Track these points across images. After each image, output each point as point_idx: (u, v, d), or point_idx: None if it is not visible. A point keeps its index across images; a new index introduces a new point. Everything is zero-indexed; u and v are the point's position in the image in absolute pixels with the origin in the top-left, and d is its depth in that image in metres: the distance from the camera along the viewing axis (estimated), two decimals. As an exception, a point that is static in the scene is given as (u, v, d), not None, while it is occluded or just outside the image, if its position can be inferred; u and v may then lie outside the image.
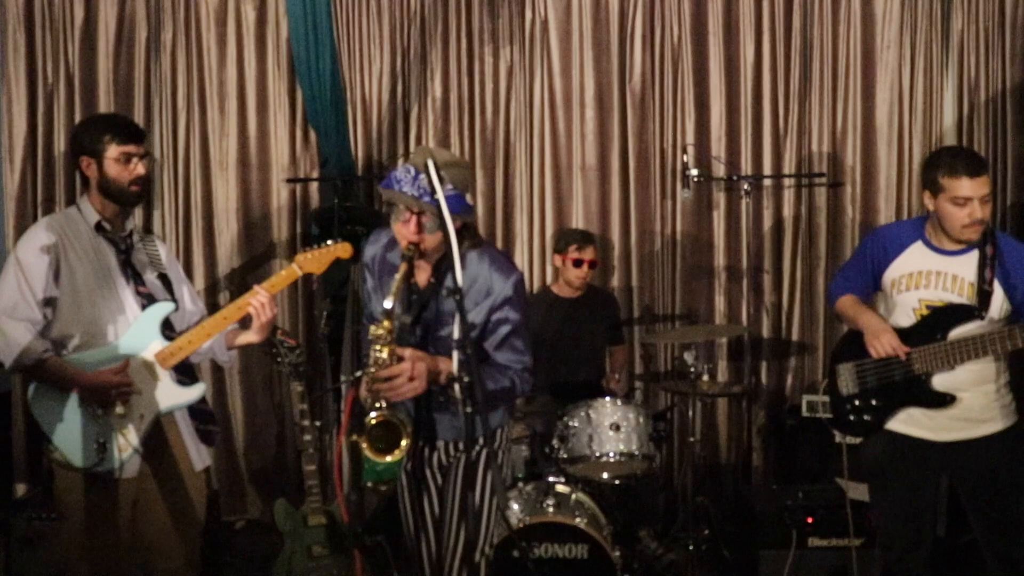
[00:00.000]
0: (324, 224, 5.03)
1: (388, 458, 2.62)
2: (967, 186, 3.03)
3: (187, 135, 5.29)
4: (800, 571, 4.03)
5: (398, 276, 2.60)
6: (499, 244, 5.29)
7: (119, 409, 2.88)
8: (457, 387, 2.52)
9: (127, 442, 2.89)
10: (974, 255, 3.13)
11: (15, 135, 5.24)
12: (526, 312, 2.83)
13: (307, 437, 3.87)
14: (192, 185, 5.31)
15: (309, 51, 4.98)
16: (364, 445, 2.59)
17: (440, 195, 2.48)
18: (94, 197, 3.01)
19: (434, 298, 2.78)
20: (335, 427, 4.94)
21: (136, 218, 5.30)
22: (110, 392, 2.85)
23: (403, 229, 2.65)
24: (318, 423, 4.84)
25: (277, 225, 5.33)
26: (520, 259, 5.29)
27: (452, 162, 2.63)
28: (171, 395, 2.96)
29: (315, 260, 3.07)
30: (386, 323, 2.58)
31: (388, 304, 2.57)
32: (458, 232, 2.55)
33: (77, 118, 5.20)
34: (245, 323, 3.11)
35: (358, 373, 2.62)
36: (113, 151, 2.97)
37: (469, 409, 2.47)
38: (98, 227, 3.00)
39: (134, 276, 3.03)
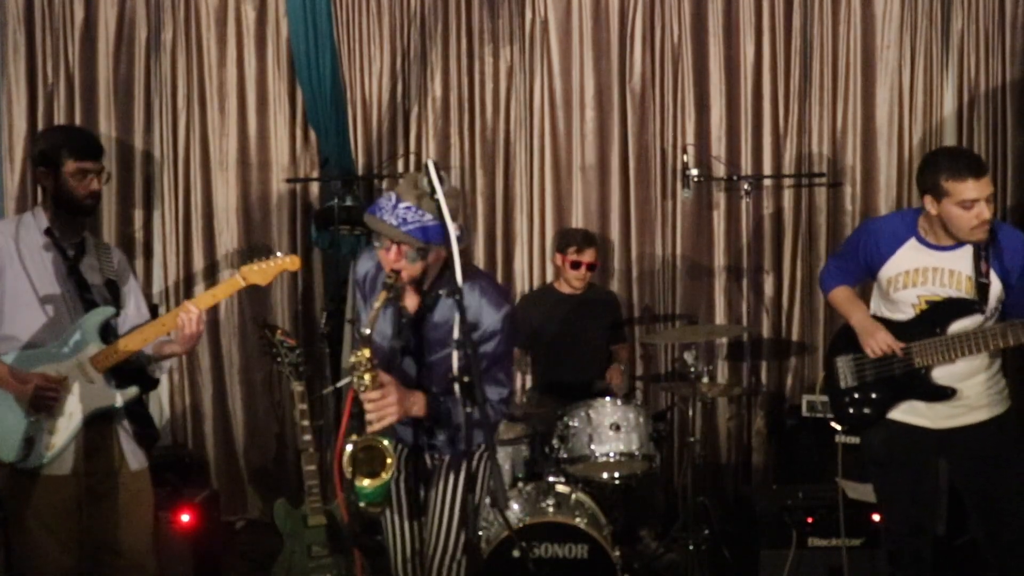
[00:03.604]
0: (324, 224, 5.04)
1: (367, 482, 2.61)
2: (973, 188, 3.00)
3: (187, 135, 5.30)
4: (800, 571, 4.02)
5: (376, 304, 2.58)
6: (499, 244, 5.29)
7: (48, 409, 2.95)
8: (457, 387, 2.51)
9: (55, 440, 2.95)
10: (968, 249, 3.13)
11: (15, 135, 5.25)
12: (513, 342, 2.82)
13: (307, 437, 3.87)
14: (192, 185, 5.31)
15: (309, 51, 4.98)
16: (350, 470, 2.59)
17: (440, 194, 2.47)
18: (47, 206, 3.08)
19: (422, 324, 2.77)
20: (335, 427, 4.94)
21: (137, 219, 5.34)
22: (27, 396, 2.91)
23: (386, 256, 2.64)
24: (318, 423, 4.85)
25: (277, 225, 5.33)
26: (520, 259, 5.30)
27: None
28: (103, 397, 3.02)
29: (261, 272, 3.10)
30: (365, 351, 2.56)
31: (367, 331, 2.56)
32: (444, 262, 2.52)
33: (77, 118, 5.22)
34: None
35: (346, 380, 2.61)
36: (70, 166, 3.02)
37: (469, 409, 2.47)
38: (47, 233, 3.06)
39: (79, 282, 3.08)
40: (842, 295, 3.42)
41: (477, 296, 2.71)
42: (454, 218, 2.63)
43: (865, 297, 3.45)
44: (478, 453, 2.86)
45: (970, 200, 3.01)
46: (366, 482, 2.61)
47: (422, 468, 2.92)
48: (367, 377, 2.57)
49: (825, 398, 3.45)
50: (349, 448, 2.61)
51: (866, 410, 3.30)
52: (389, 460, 2.62)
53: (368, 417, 2.59)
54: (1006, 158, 5.01)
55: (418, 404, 2.69)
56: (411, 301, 2.79)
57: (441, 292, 2.70)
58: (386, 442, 2.62)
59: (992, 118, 5.05)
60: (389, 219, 2.58)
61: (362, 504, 2.67)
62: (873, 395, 3.28)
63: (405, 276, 2.64)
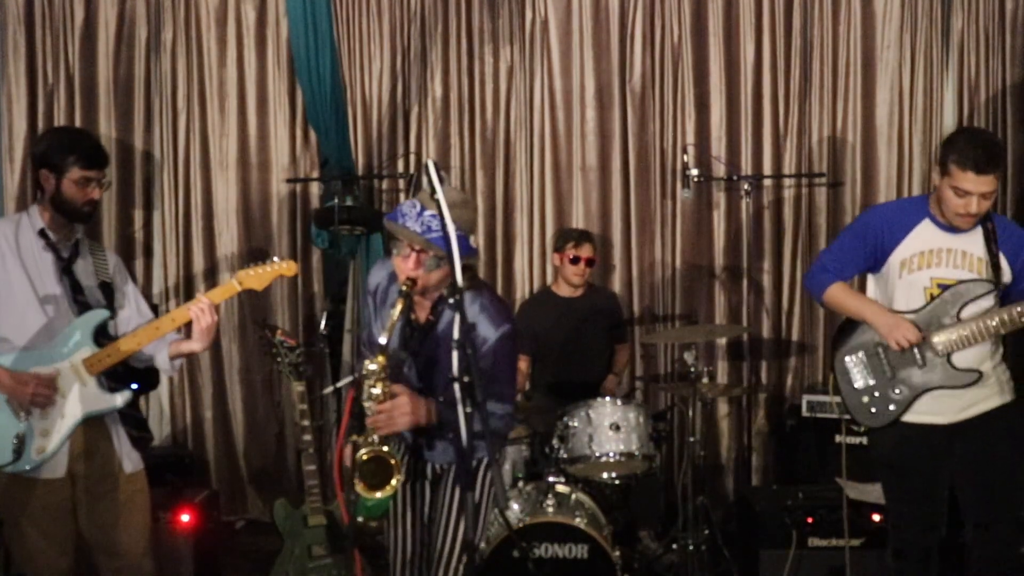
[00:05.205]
0: (324, 224, 5.04)
1: (379, 494, 2.62)
2: (971, 181, 3.02)
3: (187, 135, 5.30)
4: (800, 571, 4.02)
5: (394, 312, 2.59)
6: (499, 244, 5.29)
7: (40, 411, 2.94)
8: (456, 387, 2.51)
9: (47, 443, 2.94)
10: (979, 231, 3.14)
11: (15, 135, 5.25)
12: (514, 360, 2.83)
13: (307, 437, 3.87)
14: (192, 185, 5.31)
15: (309, 51, 4.98)
16: (356, 481, 2.59)
17: (440, 194, 2.47)
18: (44, 207, 3.05)
19: (432, 336, 2.78)
20: (335, 427, 4.94)
21: (137, 219, 5.34)
22: (26, 397, 2.90)
23: (402, 264, 2.66)
24: (318, 423, 4.85)
25: (277, 225, 5.33)
26: (520, 259, 5.30)
27: (458, 202, 2.61)
28: (95, 400, 3.01)
29: (257, 277, 3.11)
30: (380, 358, 2.58)
31: (383, 340, 2.57)
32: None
33: (77, 118, 5.22)
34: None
35: (346, 380, 2.62)
36: (75, 173, 3.00)
37: (468, 409, 2.47)
38: (41, 234, 3.04)
39: (72, 284, 3.07)
40: (842, 291, 3.34)
41: (477, 311, 2.72)
42: (469, 231, 2.65)
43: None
44: (481, 464, 2.88)
45: (963, 190, 3.05)
46: (377, 494, 2.62)
47: (426, 472, 2.92)
48: (379, 386, 2.58)
49: (825, 398, 3.44)
50: (359, 452, 2.60)
51: (891, 407, 3.23)
52: (395, 478, 2.63)
53: (375, 422, 2.61)
54: (1006, 158, 5.01)
55: (429, 411, 2.71)
56: (421, 313, 2.81)
57: (447, 304, 2.70)
58: (395, 459, 2.63)
59: (992, 118, 5.05)
60: (413, 226, 2.60)
61: (360, 518, 2.67)
62: (896, 390, 3.22)
63: (420, 285, 2.65)
